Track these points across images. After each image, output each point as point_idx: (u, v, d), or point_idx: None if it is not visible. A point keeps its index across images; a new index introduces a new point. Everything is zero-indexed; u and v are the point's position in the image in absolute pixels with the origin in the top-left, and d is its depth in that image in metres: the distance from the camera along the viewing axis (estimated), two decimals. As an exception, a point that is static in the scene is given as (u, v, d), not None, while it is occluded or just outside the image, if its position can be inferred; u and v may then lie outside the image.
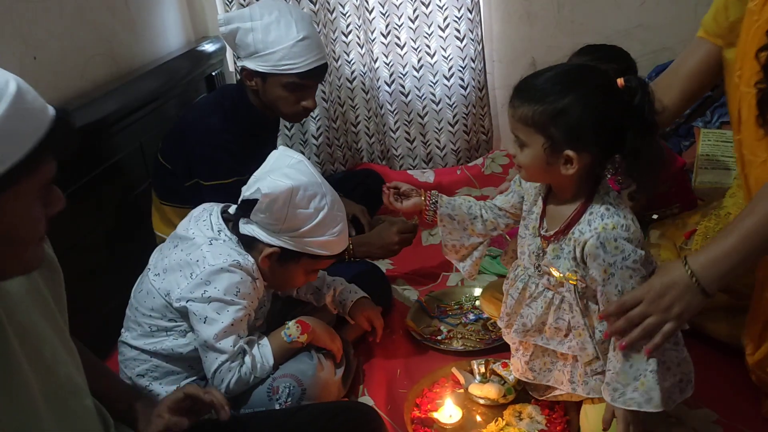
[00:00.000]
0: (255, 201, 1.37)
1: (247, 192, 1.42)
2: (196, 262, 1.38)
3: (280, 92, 1.87)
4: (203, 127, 1.86)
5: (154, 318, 1.42)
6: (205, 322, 1.36)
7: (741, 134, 1.38)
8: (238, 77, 1.97)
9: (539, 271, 1.34)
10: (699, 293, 1.17)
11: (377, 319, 1.71)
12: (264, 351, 1.44)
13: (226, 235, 1.43)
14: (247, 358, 1.40)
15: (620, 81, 1.19)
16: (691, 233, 1.66)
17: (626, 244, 1.18)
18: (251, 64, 1.84)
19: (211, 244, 1.41)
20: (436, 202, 1.55)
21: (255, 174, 1.45)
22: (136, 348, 1.44)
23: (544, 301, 1.33)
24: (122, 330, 1.49)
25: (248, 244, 1.43)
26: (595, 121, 1.17)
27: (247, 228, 1.42)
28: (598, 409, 1.32)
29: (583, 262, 1.24)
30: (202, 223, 1.46)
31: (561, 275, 1.29)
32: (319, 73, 1.90)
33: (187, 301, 1.37)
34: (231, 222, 1.47)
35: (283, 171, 1.40)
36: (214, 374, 1.37)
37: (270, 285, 1.51)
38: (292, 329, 1.47)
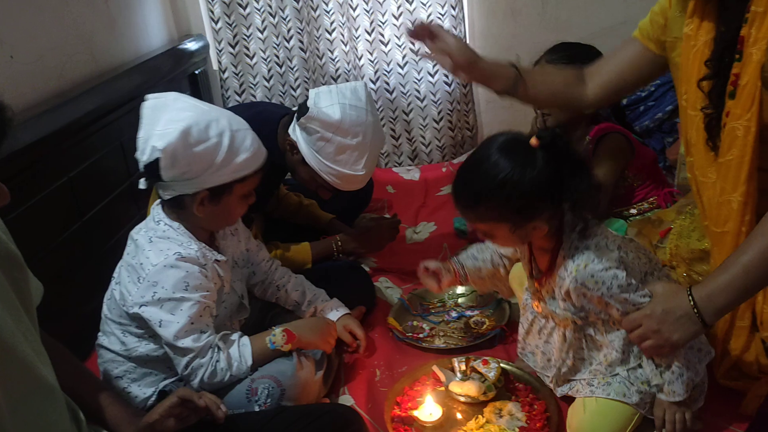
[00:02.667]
0: (156, 162, 1.32)
1: (143, 157, 1.34)
2: (141, 265, 1.36)
3: (308, 178, 1.81)
4: None
5: (124, 325, 1.41)
6: (161, 326, 1.34)
7: (692, 156, 1.42)
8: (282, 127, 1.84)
9: (543, 314, 1.42)
10: (699, 323, 1.21)
11: (359, 330, 1.71)
12: (244, 351, 1.43)
13: (165, 224, 1.41)
14: (222, 355, 1.39)
15: (533, 141, 1.20)
16: (666, 232, 1.67)
17: (603, 274, 1.23)
18: (305, 150, 1.74)
19: (152, 241, 1.39)
20: (463, 266, 1.60)
21: (140, 136, 1.35)
22: (112, 351, 1.43)
23: (559, 335, 1.41)
24: (99, 333, 1.48)
25: (179, 206, 1.40)
26: (533, 190, 1.20)
27: (167, 192, 1.38)
28: (598, 403, 1.36)
29: (573, 303, 1.31)
30: (149, 218, 1.45)
31: (562, 317, 1.35)
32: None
33: (139, 307, 1.35)
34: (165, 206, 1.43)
35: (166, 118, 1.33)
36: (185, 371, 1.37)
37: (213, 226, 1.48)
38: (277, 337, 1.46)
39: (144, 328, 1.39)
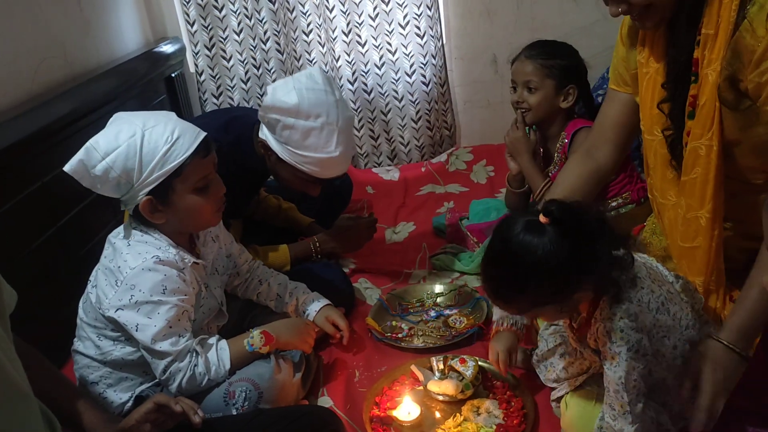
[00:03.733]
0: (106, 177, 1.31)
1: (93, 171, 1.31)
2: (118, 269, 1.35)
3: (289, 176, 1.78)
4: None
5: (99, 328, 1.40)
6: (137, 330, 1.34)
7: (651, 178, 1.45)
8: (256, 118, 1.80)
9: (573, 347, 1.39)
10: (742, 361, 1.23)
11: (342, 321, 1.72)
12: (222, 355, 1.43)
13: (143, 229, 1.40)
14: (200, 359, 1.38)
15: (542, 219, 1.14)
16: (639, 229, 1.69)
17: (632, 335, 1.19)
18: (275, 146, 1.72)
19: (130, 245, 1.38)
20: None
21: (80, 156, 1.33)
22: (87, 356, 1.42)
23: (581, 364, 1.40)
24: (75, 339, 1.47)
25: (144, 220, 1.38)
26: (565, 266, 1.13)
27: (122, 205, 1.38)
28: (577, 400, 1.37)
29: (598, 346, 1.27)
30: (127, 222, 1.43)
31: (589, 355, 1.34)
32: (338, 176, 1.81)
33: (116, 311, 1.34)
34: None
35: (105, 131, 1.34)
36: (163, 375, 1.36)
37: (187, 228, 1.45)
38: (255, 339, 1.46)
39: (119, 330, 1.38)
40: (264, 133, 1.75)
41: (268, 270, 1.77)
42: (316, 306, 1.72)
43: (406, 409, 1.47)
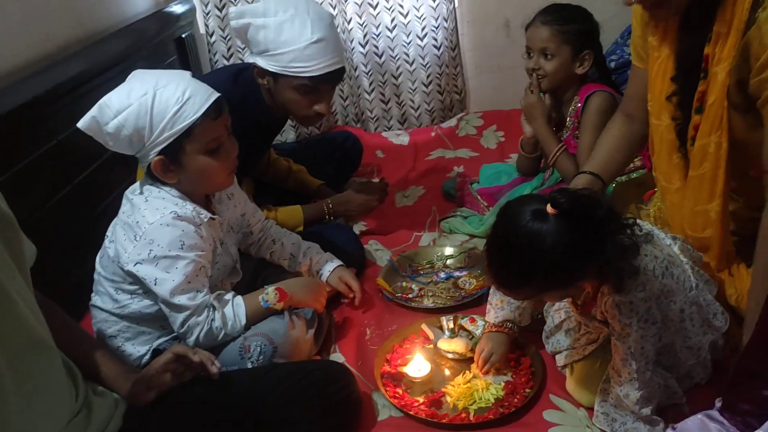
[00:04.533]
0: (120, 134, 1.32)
1: (106, 128, 1.33)
2: (137, 224, 1.37)
3: (291, 94, 1.78)
4: None
5: (117, 282, 1.43)
6: (156, 284, 1.36)
7: (656, 160, 1.46)
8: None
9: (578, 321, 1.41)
10: None
11: (354, 281, 1.75)
12: (238, 311, 1.46)
13: (159, 185, 1.42)
14: (217, 314, 1.41)
15: (549, 210, 1.12)
16: (651, 194, 1.70)
17: (641, 304, 1.20)
18: (262, 62, 1.74)
19: (147, 200, 1.40)
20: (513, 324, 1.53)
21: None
22: (105, 311, 1.45)
23: (589, 338, 1.42)
24: (92, 294, 1.50)
25: (157, 178, 1.40)
26: (571, 257, 1.13)
27: (142, 164, 1.40)
28: (581, 363, 1.41)
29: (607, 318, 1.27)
30: (144, 178, 1.45)
31: (596, 327, 1.36)
32: (333, 77, 1.78)
33: (134, 264, 1.36)
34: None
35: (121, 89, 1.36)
36: (181, 329, 1.39)
37: (199, 189, 1.46)
38: (270, 296, 1.48)
39: (137, 284, 1.41)
40: (251, 57, 1.77)
41: (281, 230, 1.79)
42: (329, 266, 1.74)
43: (417, 366, 1.50)
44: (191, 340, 1.39)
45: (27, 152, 1.70)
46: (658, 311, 1.24)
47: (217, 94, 1.39)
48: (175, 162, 1.38)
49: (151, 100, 1.31)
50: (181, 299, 1.37)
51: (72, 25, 2.10)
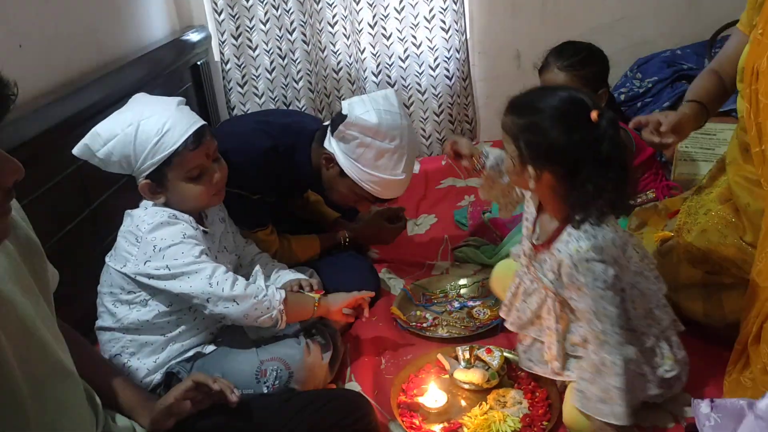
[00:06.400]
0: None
1: (98, 154, 1.44)
2: (137, 227, 1.43)
3: (346, 192, 1.80)
4: (247, 142, 1.76)
5: (115, 294, 1.46)
6: (169, 269, 1.40)
7: (755, 85, 1.37)
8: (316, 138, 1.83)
9: (531, 275, 1.42)
10: None
11: (350, 299, 1.64)
12: (277, 292, 1.48)
13: (155, 203, 1.49)
14: (260, 280, 1.52)
15: (594, 115, 1.19)
16: (674, 213, 1.70)
17: (597, 266, 1.24)
18: (344, 162, 1.73)
19: (146, 209, 1.48)
20: (485, 159, 1.59)
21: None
22: (107, 329, 1.48)
23: (539, 297, 1.41)
24: (96, 320, 1.51)
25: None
26: (552, 146, 1.22)
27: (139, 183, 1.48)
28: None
29: (560, 277, 1.31)
30: (143, 201, 1.52)
31: (545, 284, 1.36)
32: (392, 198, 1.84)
33: (144, 263, 1.40)
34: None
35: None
36: (209, 287, 1.40)
37: (187, 209, 1.50)
38: (306, 289, 1.61)
39: (135, 292, 1.44)
40: (332, 147, 1.75)
41: (269, 260, 1.77)
42: (287, 276, 1.71)
43: (433, 396, 1.49)
44: (225, 288, 1.41)
45: (46, 179, 1.71)
46: (621, 275, 1.27)
47: (198, 125, 1.45)
48: (161, 186, 1.47)
49: (135, 132, 1.41)
50: (199, 266, 1.40)
51: (92, 52, 2.14)
